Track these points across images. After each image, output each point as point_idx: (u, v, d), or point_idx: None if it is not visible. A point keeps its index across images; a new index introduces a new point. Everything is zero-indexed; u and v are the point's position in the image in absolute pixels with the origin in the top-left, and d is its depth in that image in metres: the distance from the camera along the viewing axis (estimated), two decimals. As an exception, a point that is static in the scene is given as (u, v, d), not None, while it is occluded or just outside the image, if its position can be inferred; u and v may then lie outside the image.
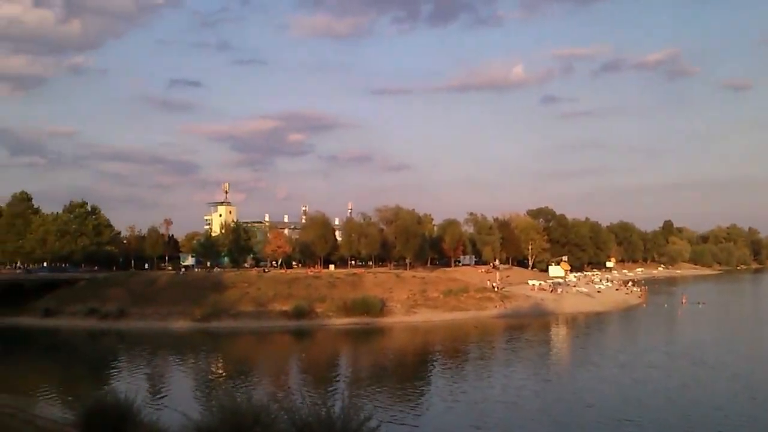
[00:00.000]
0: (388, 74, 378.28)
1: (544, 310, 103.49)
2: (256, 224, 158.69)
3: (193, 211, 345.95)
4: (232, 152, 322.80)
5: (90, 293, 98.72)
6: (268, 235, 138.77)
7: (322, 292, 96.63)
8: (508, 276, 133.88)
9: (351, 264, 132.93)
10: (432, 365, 63.77)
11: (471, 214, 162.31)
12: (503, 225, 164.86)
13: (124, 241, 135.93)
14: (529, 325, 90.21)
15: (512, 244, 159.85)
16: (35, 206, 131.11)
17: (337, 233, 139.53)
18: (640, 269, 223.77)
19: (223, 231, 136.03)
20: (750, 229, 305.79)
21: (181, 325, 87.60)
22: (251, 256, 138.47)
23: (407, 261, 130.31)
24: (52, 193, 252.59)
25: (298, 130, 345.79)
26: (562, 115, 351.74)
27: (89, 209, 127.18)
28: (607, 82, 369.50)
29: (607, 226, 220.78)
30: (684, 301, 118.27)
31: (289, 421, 11.08)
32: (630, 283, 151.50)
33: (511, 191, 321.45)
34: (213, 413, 11.02)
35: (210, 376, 59.93)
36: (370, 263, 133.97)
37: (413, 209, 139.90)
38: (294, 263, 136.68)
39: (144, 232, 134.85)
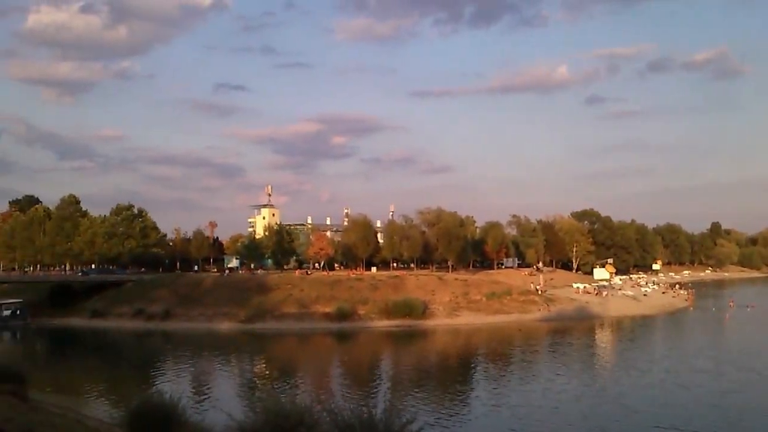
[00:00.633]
0: (430, 76, 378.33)
1: (589, 314, 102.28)
2: (299, 226, 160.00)
3: (237, 213, 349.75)
4: (276, 155, 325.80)
5: (137, 295, 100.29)
6: (311, 237, 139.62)
7: (364, 294, 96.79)
8: (551, 279, 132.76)
9: (393, 266, 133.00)
10: (474, 368, 63.41)
11: (514, 216, 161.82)
12: (547, 227, 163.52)
13: (170, 243, 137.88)
14: (573, 329, 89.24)
15: (556, 246, 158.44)
16: (83, 209, 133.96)
17: (379, 235, 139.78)
18: (687, 272, 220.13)
19: (266, 233, 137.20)
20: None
21: (225, 326, 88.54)
22: (294, 258, 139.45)
23: (449, 263, 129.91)
24: (99, 196, 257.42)
25: (340, 133, 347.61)
26: (606, 116, 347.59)
27: (136, 212, 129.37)
28: (654, 82, 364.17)
29: (654, 228, 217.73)
30: (732, 304, 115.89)
31: (332, 422, 11.14)
32: (677, 286, 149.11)
33: (554, 193, 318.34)
34: (257, 414, 11.12)
35: (254, 377, 60.39)
36: (412, 265, 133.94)
37: (455, 211, 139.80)
38: (336, 265, 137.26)
39: (189, 234, 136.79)
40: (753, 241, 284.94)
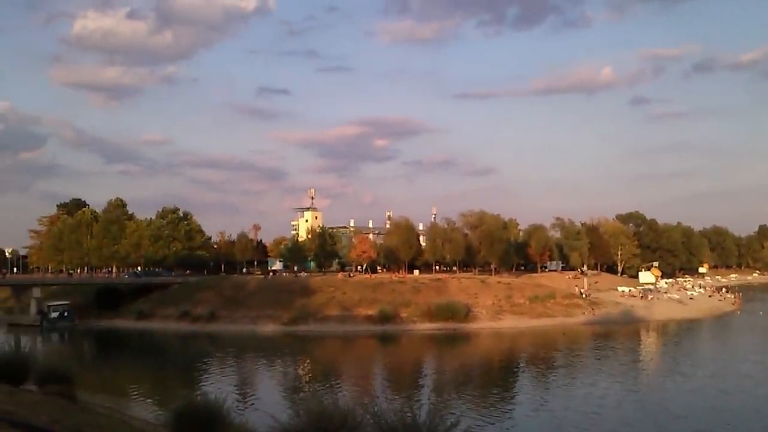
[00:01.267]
0: (473, 78, 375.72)
1: (634, 317, 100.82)
2: (341, 229, 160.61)
3: (281, 216, 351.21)
4: (318, 158, 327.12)
5: (182, 297, 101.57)
6: (353, 240, 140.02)
7: (406, 297, 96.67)
8: (596, 282, 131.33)
9: (435, 269, 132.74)
10: (516, 372, 62.94)
11: (558, 218, 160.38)
12: (591, 230, 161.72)
13: (215, 246, 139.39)
14: (617, 333, 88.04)
15: (601, 249, 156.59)
16: (130, 212, 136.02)
17: (421, 238, 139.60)
18: (734, 275, 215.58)
19: (309, 236, 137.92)
20: None
21: (269, 328, 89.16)
22: (336, 260, 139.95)
23: (492, 266, 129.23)
24: (145, 199, 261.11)
25: (382, 136, 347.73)
26: (651, 117, 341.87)
27: (181, 215, 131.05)
28: (699, 83, 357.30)
29: (700, 231, 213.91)
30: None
31: (375, 425, 11.07)
32: (723, 290, 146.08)
33: (599, 195, 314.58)
34: (300, 416, 11.10)
35: (297, 379, 60.73)
36: (455, 268, 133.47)
37: (498, 214, 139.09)
38: (378, 268, 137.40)
39: (234, 237, 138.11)
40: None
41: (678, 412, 43.31)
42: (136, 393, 51.48)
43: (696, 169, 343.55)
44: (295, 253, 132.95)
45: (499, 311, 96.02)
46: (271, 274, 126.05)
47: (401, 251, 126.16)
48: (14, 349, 15.94)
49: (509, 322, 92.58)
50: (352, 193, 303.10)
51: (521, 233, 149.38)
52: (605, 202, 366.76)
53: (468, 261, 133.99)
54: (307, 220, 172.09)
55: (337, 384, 55.44)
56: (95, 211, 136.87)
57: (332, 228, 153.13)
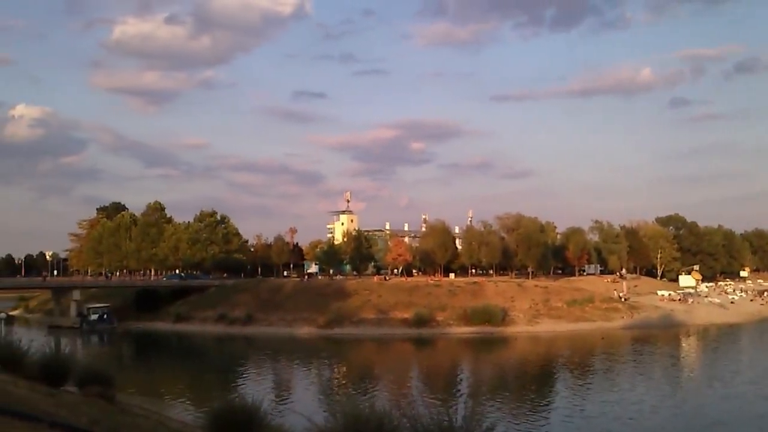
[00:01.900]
0: (510, 80, 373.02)
1: (674, 322, 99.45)
2: (377, 232, 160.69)
3: (317, 219, 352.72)
4: (354, 161, 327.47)
5: (219, 299, 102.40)
6: (389, 243, 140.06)
7: (442, 301, 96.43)
8: (635, 286, 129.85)
9: (471, 272, 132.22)
10: (552, 377, 62.28)
11: (596, 221, 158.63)
12: (630, 233, 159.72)
13: (252, 249, 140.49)
14: (657, 337, 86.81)
15: (640, 252, 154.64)
16: (168, 215, 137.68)
17: (457, 241, 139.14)
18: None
19: (345, 239, 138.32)
20: None
21: (305, 331, 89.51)
22: (372, 264, 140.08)
23: (529, 270, 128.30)
24: (183, 202, 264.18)
25: (419, 139, 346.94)
26: (691, 119, 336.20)
27: (219, 218, 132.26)
28: (741, 84, 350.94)
29: (742, 234, 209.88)
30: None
31: (411, 428, 11.00)
32: (765, 294, 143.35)
33: (638, 198, 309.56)
34: (336, 419, 11.07)
35: (332, 382, 60.82)
36: (491, 272, 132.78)
37: (535, 217, 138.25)
38: (414, 271, 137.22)
39: (270, 240, 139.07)
40: None
41: (716, 418, 42.50)
42: (174, 395, 51.88)
43: (737, 171, 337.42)
44: (330, 256, 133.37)
45: (536, 315, 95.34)
46: (306, 277, 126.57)
47: (437, 254, 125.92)
48: (54, 350, 16.16)
49: (546, 326, 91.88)
50: (388, 196, 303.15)
51: (559, 236, 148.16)
52: (644, 205, 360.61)
53: (504, 264, 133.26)
54: (342, 224, 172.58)
55: (373, 387, 55.34)
56: (134, 215, 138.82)
57: (368, 231, 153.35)
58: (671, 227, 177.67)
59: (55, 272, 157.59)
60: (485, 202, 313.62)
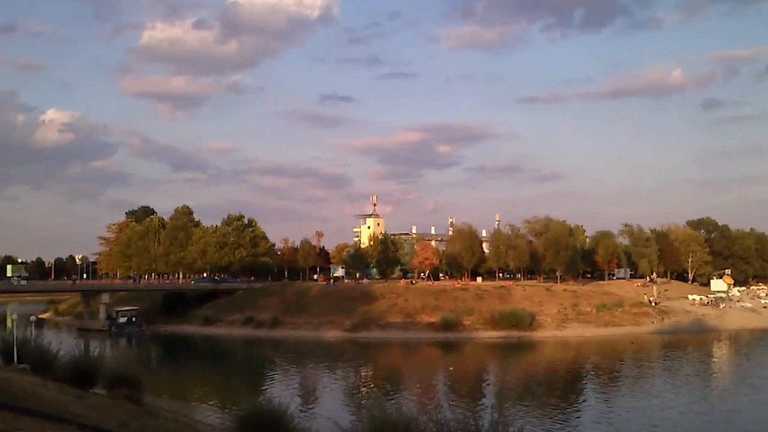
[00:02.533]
0: (538, 82, 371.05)
1: (705, 327, 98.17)
2: (403, 236, 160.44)
3: (343, 223, 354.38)
4: (381, 165, 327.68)
5: (246, 303, 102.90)
6: (416, 246, 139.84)
7: (469, 305, 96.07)
8: (666, 290, 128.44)
9: (499, 276, 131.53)
10: (580, 382, 61.73)
11: (626, 225, 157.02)
12: (661, 236, 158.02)
13: (279, 253, 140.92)
14: (687, 342, 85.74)
15: (671, 256, 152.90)
16: (196, 219, 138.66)
17: (484, 245, 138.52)
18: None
19: (371, 243, 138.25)
20: None
21: (331, 334, 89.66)
22: (399, 267, 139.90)
23: (557, 274, 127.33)
24: (211, 206, 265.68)
25: (446, 142, 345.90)
26: (724, 121, 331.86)
27: (246, 222, 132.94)
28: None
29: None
30: None
31: (438, 433, 10.96)
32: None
33: (668, 201, 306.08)
34: (363, 422, 11.06)
35: (359, 386, 60.78)
36: (519, 276, 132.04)
37: (564, 220, 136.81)
38: (441, 275, 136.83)
39: (297, 243, 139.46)
40: None
41: (745, 426, 41.94)
42: (201, 397, 52.22)
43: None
44: (357, 259, 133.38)
45: (564, 320, 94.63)
46: (333, 280, 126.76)
47: (464, 258, 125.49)
48: (84, 353, 16.33)
49: (575, 331, 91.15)
50: (415, 199, 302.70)
51: (588, 240, 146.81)
52: (675, 208, 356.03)
53: (532, 268, 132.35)
54: (369, 227, 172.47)
55: (399, 391, 55.27)
56: (163, 219, 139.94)
57: (394, 234, 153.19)
58: (702, 230, 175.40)
59: (85, 276, 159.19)
60: (513, 206, 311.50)
